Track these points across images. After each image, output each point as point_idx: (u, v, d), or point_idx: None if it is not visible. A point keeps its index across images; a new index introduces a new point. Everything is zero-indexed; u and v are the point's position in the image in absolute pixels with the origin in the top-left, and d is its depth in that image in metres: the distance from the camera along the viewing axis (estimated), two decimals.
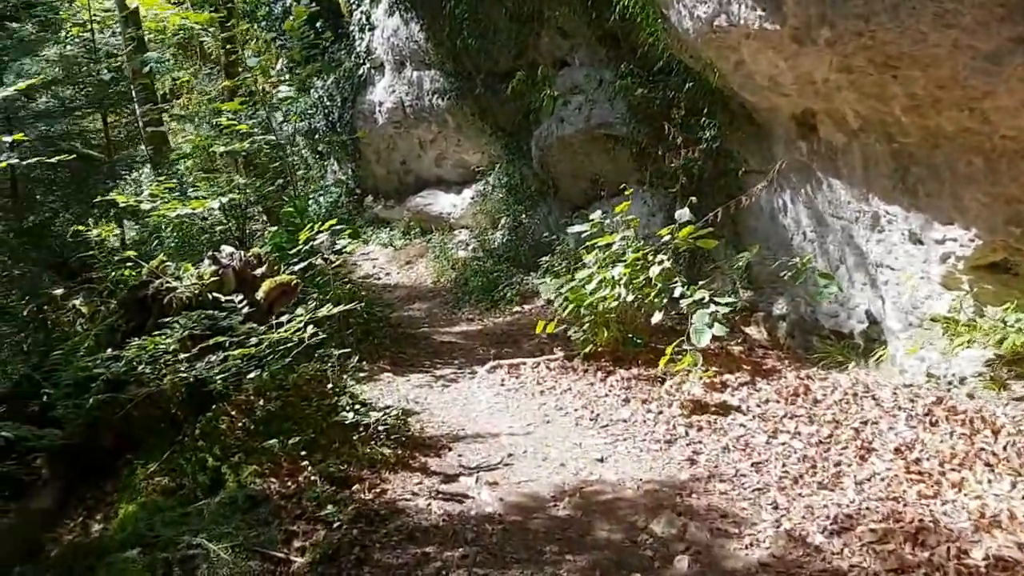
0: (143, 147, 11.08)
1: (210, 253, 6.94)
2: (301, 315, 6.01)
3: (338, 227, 8.29)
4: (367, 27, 15.25)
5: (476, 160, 14.46)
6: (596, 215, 8.33)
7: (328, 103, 16.95)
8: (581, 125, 10.92)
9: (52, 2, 15.85)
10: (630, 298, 7.25)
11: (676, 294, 7.10)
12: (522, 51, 11.39)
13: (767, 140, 8.46)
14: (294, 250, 8.12)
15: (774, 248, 8.75)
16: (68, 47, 17.53)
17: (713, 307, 6.91)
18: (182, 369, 5.53)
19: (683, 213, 7.40)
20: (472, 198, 14.28)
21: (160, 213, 7.98)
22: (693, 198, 7.64)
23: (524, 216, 12.82)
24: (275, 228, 8.42)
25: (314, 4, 15.90)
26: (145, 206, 8.02)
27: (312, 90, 17.26)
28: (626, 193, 8.48)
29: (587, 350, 7.51)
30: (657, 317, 7.12)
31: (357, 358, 8.06)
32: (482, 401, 7.09)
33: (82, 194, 10.42)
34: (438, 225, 15.43)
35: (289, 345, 5.74)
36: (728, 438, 5.88)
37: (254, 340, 5.57)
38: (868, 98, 6.34)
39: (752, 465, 5.41)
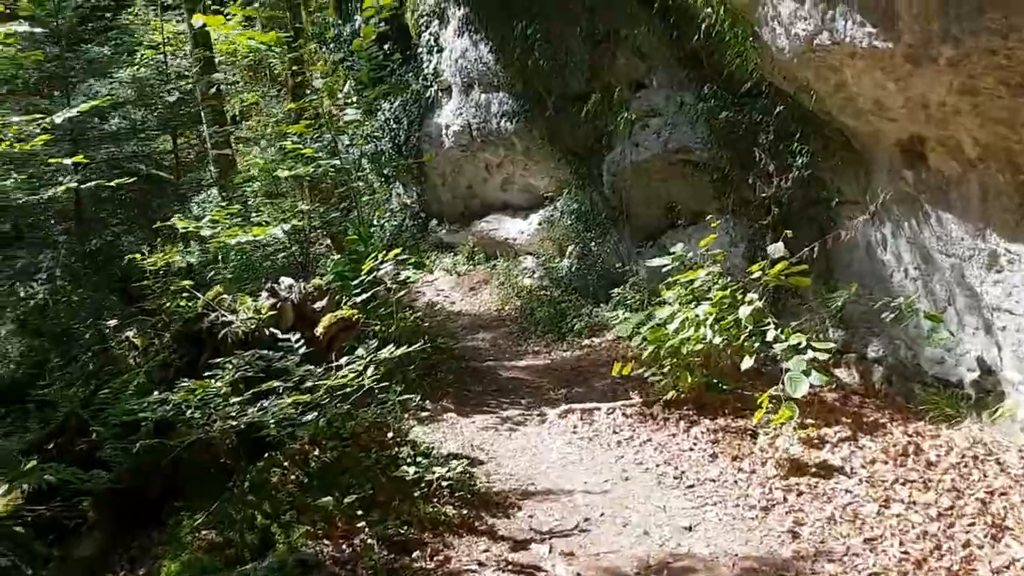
0: (211, 169, 10.85)
1: (268, 285, 6.53)
2: (362, 356, 5.52)
3: (402, 256, 7.82)
4: (435, 48, 14.91)
5: (543, 185, 13.95)
6: (678, 247, 7.72)
7: (395, 126, 16.65)
8: (658, 150, 10.32)
9: (127, 26, 15.99)
10: (717, 340, 6.61)
11: (769, 337, 6.44)
12: (596, 73, 10.86)
13: (865, 168, 7.76)
14: (356, 281, 7.68)
15: (869, 285, 8.01)
16: (141, 69, 17.69)
17: (811, 353, 6.24)
18: (232, 414, 5.08)
19: (777, 248, 6.75)
20: (539, 224, 13.75)
21: (220, 240, 7.63)
22: (788, 231, 6.98)
23: (593, 244, 12.23)
24: (338, 256, 8.00)
25: (383, 24, 15.71)
26: (206, 232, 7.69)
27: (379, 112, 17.01)
28: (712, 225, 7.82)
29: (668, 396, 6.87)
30: (747, 363, 6.46)
31: (419, 397, 7.59)
32: (553, 450, 6.51)
33: (145, 218, 10.22)
34: (503, 251, 14.95)
35: (348, 391, 5.25)
36: (833, 506, 5.19)
37: (310, 384, 5.09)
38: (993, 123, 5.64)
39: (865, 541, 4.72)
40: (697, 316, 6.82)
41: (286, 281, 6.63)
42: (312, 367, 5.34)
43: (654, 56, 9.97)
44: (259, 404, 5.14)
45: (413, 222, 17.43)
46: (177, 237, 9.11)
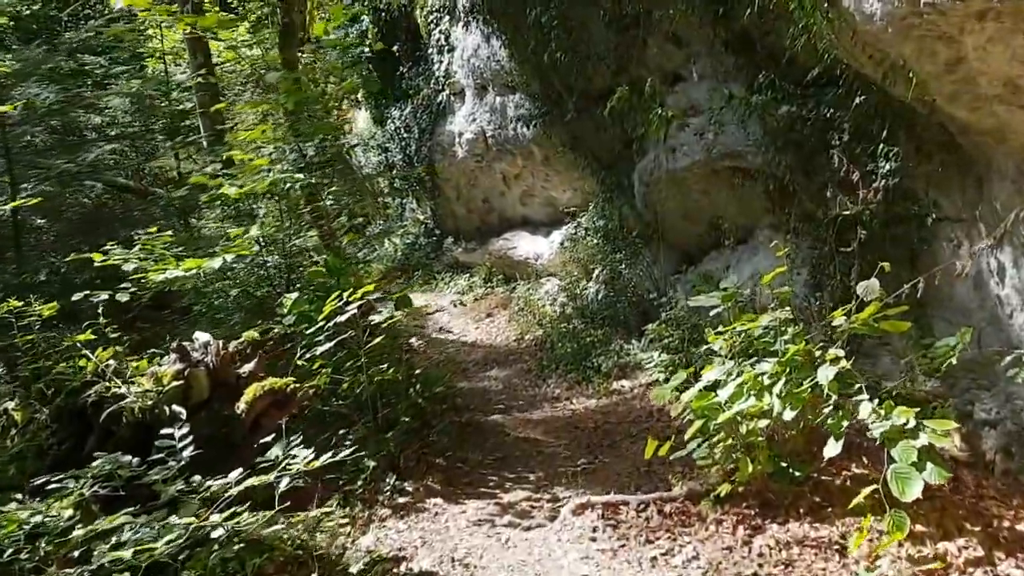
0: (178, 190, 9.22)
1: (175, 344, 4.81)
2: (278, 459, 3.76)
3: (378, 293, 6.09)
4: (446, 48, 13.19)
5: (567, 198, 12.14)
6: (729, 281, 5.87)
7: (404, 134, 14.98)
8: (699, 155, 8.47)
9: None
10: (788, 415, 4.74)
11: (862, 413, 4.56)
12: (623, 65, 9.02)
13: (976, 176, 5.87)
14: (312, 329, 5.96)
15: (978, 325, 6.09)
16: (135, 80, 16.30)
17: (924, 436, 4.36)
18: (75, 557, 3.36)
19: (872, 286, 4.88)
20: (561, 243, 11.93)
21: (141, 276, 5.96)
22: (885, 264, 5.10)
23: (623, 267, 10.38)
24: (294, 295, 6.27)
25: (386, 19, 14.09)
26: (129, 265, 6.02)
27: (388, 121, 15.36)
28: (777, 253, 5.91)
29: (721, 489, 4.99)
30: (833, 449, 4.58)
31: (395, 478, 5.83)
32: (564, 568, 4.67)
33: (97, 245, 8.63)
34: (523, 272, 13.15)
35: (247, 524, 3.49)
36: None
37: (182, 525, 3.33)
38: None
39: None
40: (759, 379, 4.95)
41: (201, 338, 4.91)
42: (198, 481, 3.59)
43: (694, 40, 8.11)
44: (112, 541, 3.41)
45: (427, 239, 15.72)
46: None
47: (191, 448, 3.78)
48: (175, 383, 4.51)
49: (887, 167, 6.36)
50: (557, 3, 9.17)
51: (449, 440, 7.12)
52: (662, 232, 10.00)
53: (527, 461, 6.80)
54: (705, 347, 5.94)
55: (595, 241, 10.75)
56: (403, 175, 15.43)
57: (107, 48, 17.81)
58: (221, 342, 4.94)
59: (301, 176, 7.02)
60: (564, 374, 9.59)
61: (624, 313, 10.11)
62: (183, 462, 3.73)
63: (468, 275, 14.40)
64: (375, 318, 5.99)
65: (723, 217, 9.03)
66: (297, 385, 4.87)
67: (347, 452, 4.40)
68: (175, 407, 4.36)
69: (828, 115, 6.82)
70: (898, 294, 5.22)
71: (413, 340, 12.30)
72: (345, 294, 5.96)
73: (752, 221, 8.82)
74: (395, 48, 14.36)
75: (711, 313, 6.03)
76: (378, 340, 6.16)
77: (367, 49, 14.93)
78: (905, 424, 4.42)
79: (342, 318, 5.82)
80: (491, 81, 12.20)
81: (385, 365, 6.41)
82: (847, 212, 5.85)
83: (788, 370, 4.93)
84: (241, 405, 4.70)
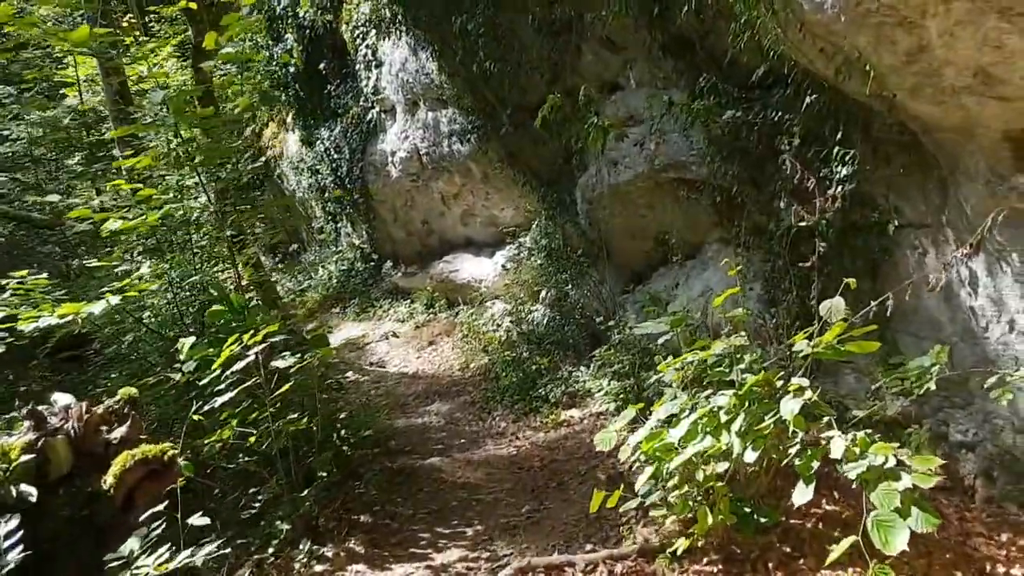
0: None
1: (27, 409, 4.04)
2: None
3: (279, 335, 5.36)
4: (373, 63, 12.52)
5: (509, 217, 11.54)
6: (679, 300, 5.28)
7: (335, 155, 14.25)
8: (642, 167, 7.92)
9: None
10: (749, 456, 4.14)
11: (834, 452, 3.97)
12: (557, 74, 8.45)
13: (939, 178, 5.39)
14: (207, 379, 5.22)
15: (948, 340, 5.61)
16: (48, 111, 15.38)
17: (907, 478, 3.79)
18: None
19: (836, 306, 4.30)
20: (504, 265, 11.30)
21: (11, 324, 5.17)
22: (851, 281, 4.54)
23: (569, 287, 9.79)
24: (191, 339, 5.50)
25: (308, 38, 13.39)
26: None
27: (317, 142, 14.62)
28: (730, 273, 5.32)
29: (679, 545, 4.36)
30: (803, 495, 3.98)
31: (311, 542, 5.10)
32: None
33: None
34: (466, 296, 12.48)
35: None
36: None
37: None
38: None
39: None
40: (715, 414, 4.34)
41: (62, 400, 4.14)
42: None
43: (630, 45, 7.56)
44: None
45: (364, 265, 14.98)
46: None
47: (19, 549, 3.04)
48: (26, 456, 3.76)
49: (843, 172, 5.85)
50: (483, 8, 8.57)
51: (378, 491, 6.40)
52: (608, 250, 9.45)
53: (465, 512, 6.10)
54: (656, 375, 5.32)
55: (539, 262, 10.15)
56: (335, 198, 14.68)
57: (15, 77, 16.85)
58: (85, 404, 4.18)
59: (198, 204, 6.26)
60: (510, 405, 8.93)
61: (572, 337, 9.50)
62: (6, 568, 2.98)
63: (409, 301, 13.69)
64: (279, 363, 5.26)
65: (670, 232, 8.48)
66: (172, 455, 4.11)
67: (209, 549, 3.61)
68: (24, 487, 3.61)
69: (776, 119, 6.31)
70: (864, 312, 4.67)
71: (350, 374, 11.57)
72: (245, 337, 5.23)
73: (700, 235, 8.30)
74: (321, 66, 13.67)
75: (660, 341, 5.42)
76: (286, 387, 5.42)
77: (291, 67, 14.25)
78: (884, 463, 3.85)
79: (240, 364, 5.09)
80: (422, 96, 11.57)
81: (297, 414, 5.67)
82: (802, 223, 5.29)
83: (747, 403, 4.34)
84: (108, 479, 3.95)
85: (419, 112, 11.92)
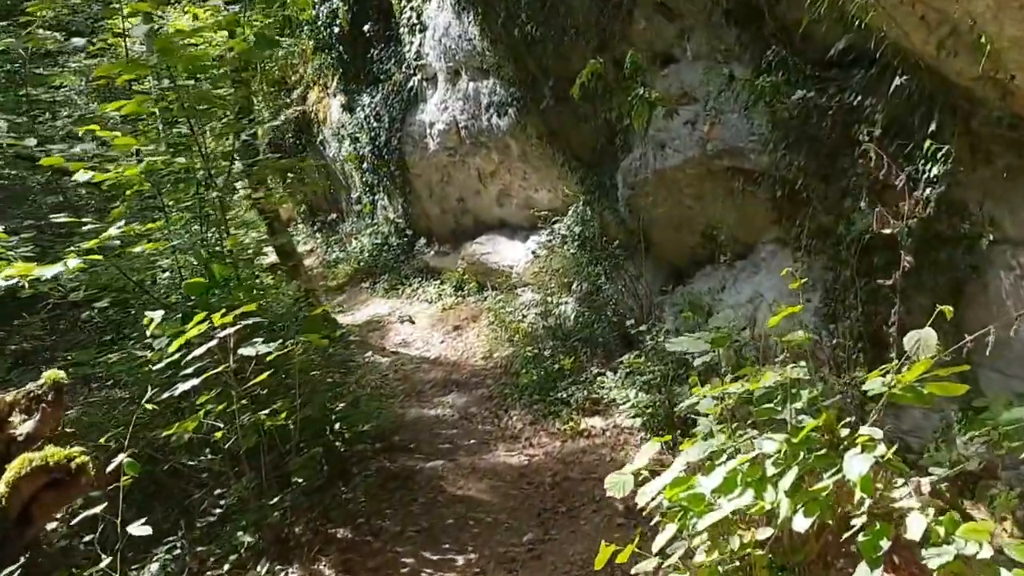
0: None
1: None
2: None
3: (253, 315, 4.53)
4: (417, 27, 11.64)
5: (546, 200, 10.60)
6: (722, 311, 4.30)
7: (375, 124, 13.42)
8: (693, 152, 6.93)
9: None
10: (800, 522, 3.19)
11: (912, 530, 3.01)
12: (605, 42, 7.46)
13: None
14: (162, 362, 4.42)
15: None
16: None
17: None
18: None
19: (927, 339, 3.30)
20: (534, 251, 10.38)
21: None
22: (946, 309, 3.53)
23: (603, 280, 8.83)
24: (158, 313, 4.69)
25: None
26: None
27: (357, 108, 13.81)
28: (791, 285, 4.29)
29: None
30: None
31: (272, 561, 4.30)
32: None
33: None
34: (497, 281, 11.58)
35: None
36: None
37: None
38: None
39: None
40: (760, 463, 3.40)
41: None
42: None
43: (688, 12, 6.55)
44: None
45: (398, 240, 14.15)
46: None
47: None
48: None
49: (932, 171, 4.80)
50: None
51: (367, 499, 5.60)
52: (648, 243, 8.47)
53: (459, 533, 5.25)
54: (688, 399, 4.37)
55: (572, 251, 9.20)
56: (373, 168, 13.88)
57: (63, 23, 16.34)
58: None
59: (183, 160, 5.46)
60: (529, 405, 8.04)
61: (602, 336, 8.56)
62: None
63: (439, 282, 12.84)
64: (247, 350, 4.43)
65: (719, 228, 7.48)
66: (85, 460, 3.32)
67: None
68: None
69: (855, 103, 5.27)
70: (956, 348, 3.66)
71: (370, 354, 10.81)
72: (216, 316, 4.42)
73: (754, 234, 7.29)
74: (366, 28, 12.82)
75: (697, 362, 4.45)
76: (262, 376, 4.60)
77: (336, 27, 13.45)
78: (979, 552, 2.88)
79: (202, 348, 4.28)
80: (464, 64, 10.66)
81: (281, 403, 4.85)
82: (884, 230, 4.26)
83: (802, 453, 3.38)
84: (1, 487, 3.19)
85: (460, 82, 11.02)
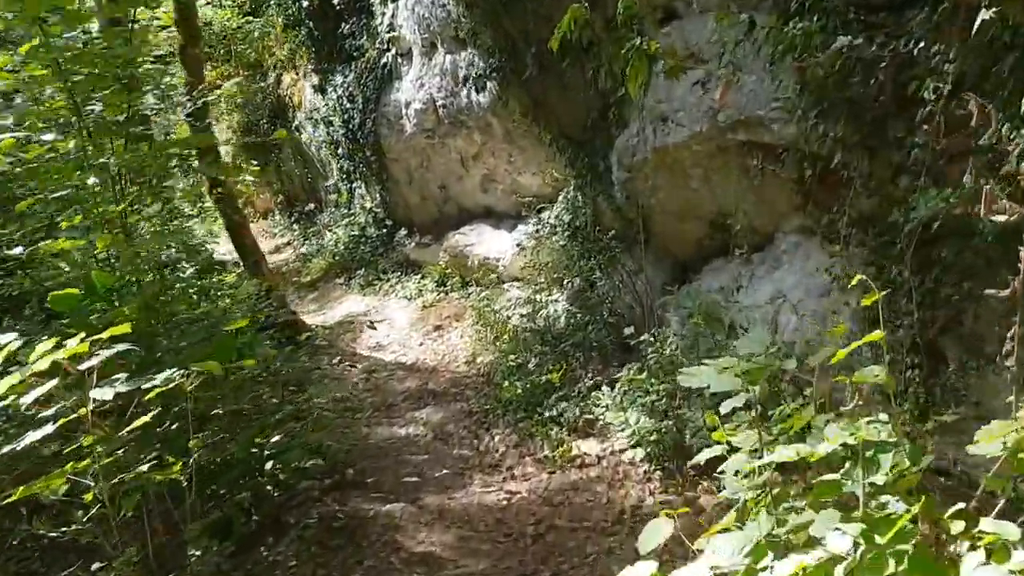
0: None
1: None
2: None
3: (122, 341, 3.33)
4: None
5: (535, 186, 9.38)
6: (754, 341, 3.07)
7: (348, 105, 12.18)
8: (701, 125, 5.71)
9: None
10: None
11: None
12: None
13: None
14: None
15: None
16: None
17: None
18: None
19: None
20: (519, 243, 9.16)
21: None
22: None
23: (597, 275, 7.62)
24: (10, 336, 3.49)
25: None
26: None
27: (329, 88, 12.56)
28: (864, 300, 3.01)
29: None
30: None
31: None
32: None
33: None
34: (482, 276, 10.38)
35: None
36: None
37: None
38: None
39: None
40: (827, 567, 2.21)
41: None
42: None
43: None
44: None
45: (377, 231, 12.92)
46: None
47: None
48: None
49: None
50: None
51: (298, 561, 4.39)
52: (648, 234, 7.27)
53: None
54: (703, 419, 3.14)
55: (562, 242, 7.98)
56: (348, 154, 12.65)
57: None
58: None
59: (51, 137, 4.20)
60: (513, 424, 6.86)
61: (596, 340, 7.36)
62: None
63: (419, 276, 11.62)
64: (97, 393, 3.21)
65: (732, 215, 6.29)
66: None
67: None
68: None
69: (913, 51, 4.05)
70: None
71: (337, 361, 9.62)
72: (72, 342, 3.22)
73: (773, 221, 6.10)
74: (336, 1, 11.58)
75: (726, 410, 3.21)
76: (143, 420, 3.40)
77: (306, 3, 12.19)
78: None
79: (36, 393, 3.07)
80: (439, 35, 9.40)
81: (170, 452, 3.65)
82: (998, 216, 3.01)
83: (892, 561, 2.18)
84: None
85: (436, 55, 9.77)
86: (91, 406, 3.29)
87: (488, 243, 10.52)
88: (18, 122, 4.21)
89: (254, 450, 4.86)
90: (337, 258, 12.99)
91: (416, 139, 10.97)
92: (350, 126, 12.24)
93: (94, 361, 3.26)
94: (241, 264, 10.34)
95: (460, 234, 11.04)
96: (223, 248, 11.56)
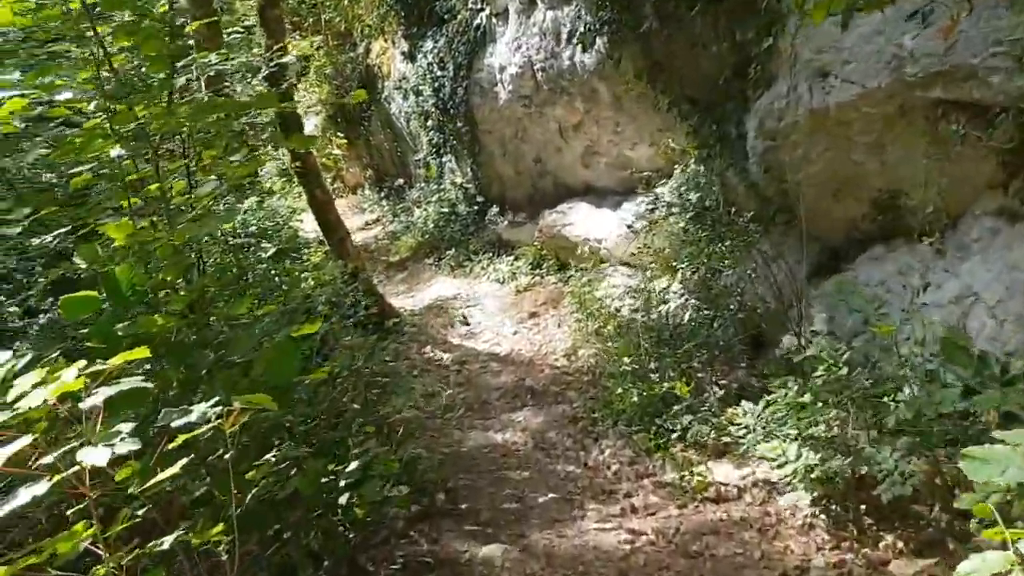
0: None
1: None
2: None
3: (107, 390, 2.40)
4: None
5: (645, 159, 8.21)
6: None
7: (439, 72, 11.20)
8: (880, 79, 4.47)
9: None
10: None
11: None
12: None
13: None
14: None
15: None
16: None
17: None
18: None
19: None
20: (630, 225, 8.00)
21: None
22: None
23: (726, 264, 6.41)
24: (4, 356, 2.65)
25: None
26: None
27: (419, 55, 11.61)
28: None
29: None
30: None
31: None
32: None
33: None
34: (582, 259, 9.29)
35: None
36: None
37: None
38: None
39: None
40: None
41: None
42: None
43: None
44: None
45: (467, 208, 11.94)
46: None
47: None
48: None
49: None
50: None
51: None
52: (790, 214, 6.04)
53: None
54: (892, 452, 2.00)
55: (682, 224, 6.80)
56: (439, 126, 11.70)
57: None
58: None
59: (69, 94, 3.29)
60: (627, 435, 5.80)
61: (723, 339, 6.20)
62: None
63: (512, 258, 10.60)
64: (86, 456, 2.29)
65: (904, 192, 5.02)
66: None
67: None
68: None
69: None
70: None
71: (428, 350, 8.73)
72: (68, 374, 2.30)
73: (962, 201, 4.82)
74: None
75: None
76: (163, 476, 2.48)
77: None
78: None
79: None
80: None
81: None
82: None
83: None
84: None
85: (536, 12, 8.66)
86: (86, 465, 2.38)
87: (589, 222, 9.41)
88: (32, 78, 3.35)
89: (327, 478, 3.95)
90: (426, 236, 12.09)
91: (511, 107, 9.93)
92: (440, 95, 11.27)
93: (99, 398, 2.35)
94: (326, 243, 9.55)
95: (557, 212, 9.96)
96: (308, 226, 10.78)
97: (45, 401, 2.29)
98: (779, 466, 4.12)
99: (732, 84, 6.19)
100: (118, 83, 3.07)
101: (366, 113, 15.21)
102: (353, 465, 4.10)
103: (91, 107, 3.36)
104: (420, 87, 11.86)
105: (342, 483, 4.01)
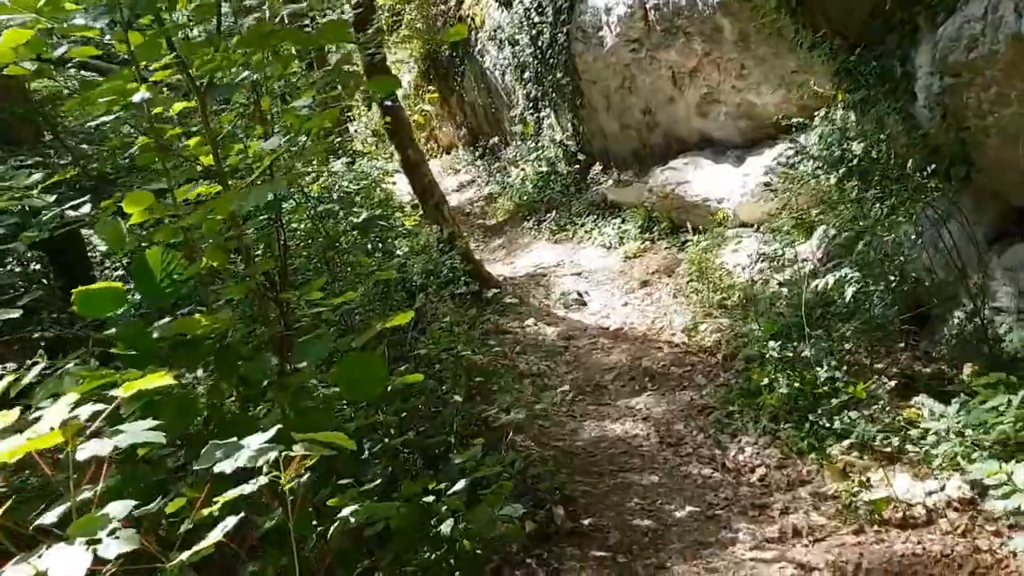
0: None
1: None
2: None
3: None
4: None
5: (774, 105, 7.16)
6: None
7: (537, 19, 10.29)
8: None
9: None
10: None
11: None
12: None
13: None
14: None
15: None
16: None
17: None
18: None
19: None
20: (764, 178, 6.99)
21: None
22: None
23: (883, 228, 5.37)
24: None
25: None
26: None
27: (515, 3, 10.71)
28: None
29: None
30: None
31: None
32: None
33: None
34: (699, 220, 8.32)
35: None
36: None
37: None
38: None
39: None
40: None
41: None
42: None
43: None
44: None
45: (568, 167, 11.07)
46: None
47: None
48: None
49: None
50: None
51: None
52: (969, 165, 4.95)
53: None
54: None
55: (829, 180, 5.77)
56: (535, 78, 10.81)
57: None
58: None
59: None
60: (771, 430, 4.94)
61: (881, 317, 5.22)
62: None
63: (619, 220, 9.71)
64: (68, 564, 1.63)
65: None
66: None
67: None
68: None
69: None
70: None
71: (531, 323, 8.00)
72: (51, 415, 1.64)
73: None
74: None
75: None
76: (196, 551, 1.81)
77: None
78: None
79: None
80: None
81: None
82: None
83: None
84: None
85: None
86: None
87: (706, 180, 8.41)
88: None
89: (426, 499, 3.26)
90: (524, 198, 11.30)
91: (618, 53, 8.95)
92: (538, 44, 10.37)
93: (106, 447, 1.70)
94: (420, 207, 8.91)
95: (670, 169, 8.98)
96: (401, 188, 10.15)
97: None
98: (1003, 496, 3.19)
99: (895, 12, 5.10)
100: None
101: (459, 68, 14.42)
102: (459, 485, 3.39)
103: (107, 38, 2.66)
104: (516, 36, 10.98)
105: (443, 508, 3.32)
